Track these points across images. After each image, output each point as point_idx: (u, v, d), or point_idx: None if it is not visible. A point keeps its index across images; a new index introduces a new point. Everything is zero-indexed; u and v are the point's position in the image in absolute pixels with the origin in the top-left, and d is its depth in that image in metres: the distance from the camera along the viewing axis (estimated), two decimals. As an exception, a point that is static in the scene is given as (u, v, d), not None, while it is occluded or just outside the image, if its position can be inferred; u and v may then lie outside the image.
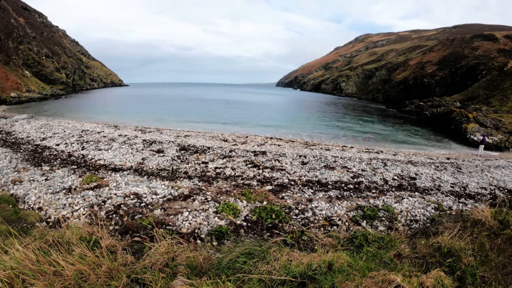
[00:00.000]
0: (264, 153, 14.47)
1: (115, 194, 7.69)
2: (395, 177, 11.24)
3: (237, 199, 7.49)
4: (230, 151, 14.35)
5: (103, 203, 7.08)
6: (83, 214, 6.48)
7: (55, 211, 6.65)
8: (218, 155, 13.48)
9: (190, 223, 6.11)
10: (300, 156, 14.11)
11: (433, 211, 7.54)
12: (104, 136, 16.95)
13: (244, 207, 7.06)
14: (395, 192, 9.32)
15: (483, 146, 22.45)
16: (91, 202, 7.13)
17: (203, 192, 8.13)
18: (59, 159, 11.77)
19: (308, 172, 11.19)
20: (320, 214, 7.01)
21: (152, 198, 7.49)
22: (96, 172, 9.96)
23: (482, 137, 23.70)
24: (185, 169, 11.00)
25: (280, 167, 11.69)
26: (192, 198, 7.57)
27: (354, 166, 12.45)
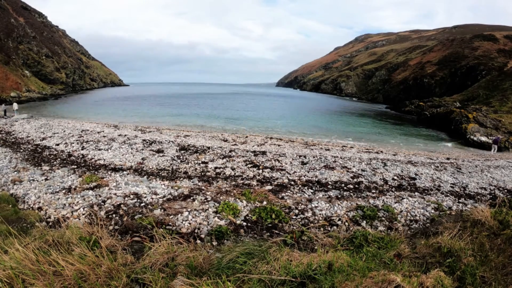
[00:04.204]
0: (264, 153, 14.47)
1: (115, 194, 7.68)
2: (395, 177, 11.25)
3: (237, 199, 7.49)
4: (230, 151, 14.35)
5: (103, 203, 7.08)
6: (83, 214, 6.48)
7: (55, 211, 6.65)
8: (218, 155, 13.48)
9: (190, 223, 6.11)
10: (300, 156, 14.11)
11: (433, 211, 7.54)
12: (104, 136, 16.94)
13: (244, 207, 7.06)
14: (395, 192, 9.32)
15: (496, 146, 22.85)
16: (91, 202, 7.13)
17: (203, 192, 8.13)
18: (59, 159, 11.76)
19: (308, 172, 11.19)
20: (320, 214, 7.01)
21: (152, 198, 7.49)
22: (96, 172, 9.96)
23: (495, 137, 24.27)
24: (185, 169, 11.00)
25: (280, 167, 11.69)
26: (192, 198, 7.56)
27: (354, 166, 12.45)
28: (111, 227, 5.82)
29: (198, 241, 5.38)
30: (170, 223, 6.04)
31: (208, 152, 13.99)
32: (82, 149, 13.57)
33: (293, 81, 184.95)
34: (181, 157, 12.74)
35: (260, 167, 11.66)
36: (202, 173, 10.57)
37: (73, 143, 14.85)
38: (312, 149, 17.26)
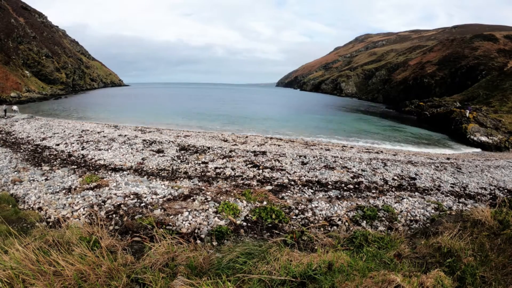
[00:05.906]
0: (264, 153, 14.47)
1: (115, 194, 7.69)
2: (395, 177, 11.24)
3: (237, 199, 7.49)
4: (230, 151, 14.35)
5: (103, 203, 7.08)
6: (83, 214, 6.48)
7: (55, 211, 6.65)
8: (218, 155, 13.48)
9: (190, 223, 6.11)
10: (300, 156, 14.11)
11: (433, 211, 7.54)
12: (104, 136, 16.95)
13: (244, 207, 7.06)
14: (395, 192, 9.32)
15: None
16: (91, 202, 7.13)
17: (203, 192, 8.13)
18: (59, 159, 11.76)
19: (308, 172, 11.19)
20: (320, 214, 7.02)
21: (152, 198, 7.49)
22: (96, 172, 9.96)
23: None
24: (185, 169, 11.00)
25: (280, 167, 11.69)
26: (192, 198, 7.56)
27: (354, 166, 12.45)
28: (111, 227, 5.82)
29: (198, 241, 5.38)
30: (170, 223, 6.04)
31: (208, 152, 13.99)
32: (82, 149, 13.57)
33: (293, 81, 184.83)
34: (181, 157, 12.74)
35: (260, 167, 11.66)
36: (202, 173, 10.57)
37: (73, 143, 14.85)
38: (312, 149, 17.26)
